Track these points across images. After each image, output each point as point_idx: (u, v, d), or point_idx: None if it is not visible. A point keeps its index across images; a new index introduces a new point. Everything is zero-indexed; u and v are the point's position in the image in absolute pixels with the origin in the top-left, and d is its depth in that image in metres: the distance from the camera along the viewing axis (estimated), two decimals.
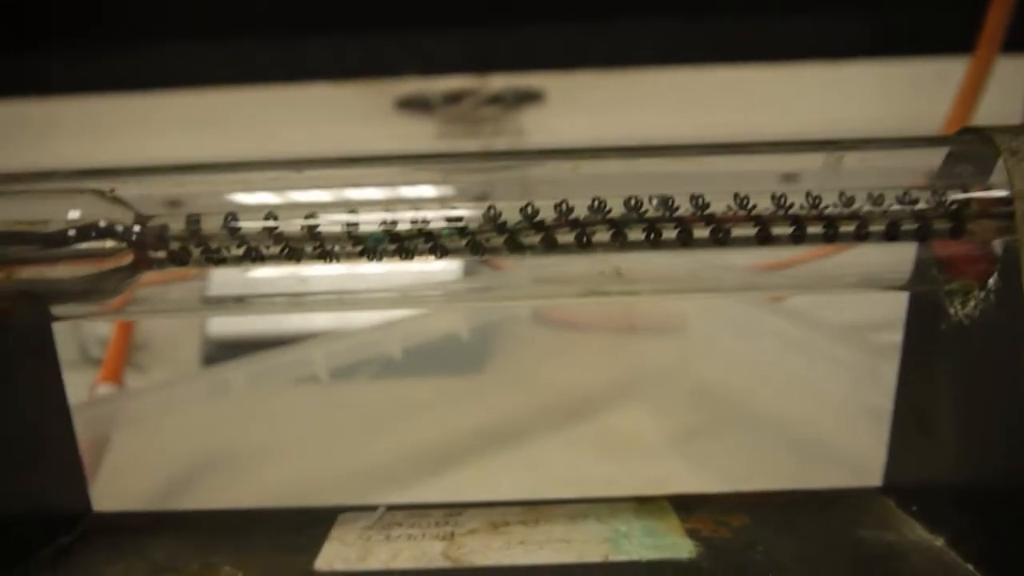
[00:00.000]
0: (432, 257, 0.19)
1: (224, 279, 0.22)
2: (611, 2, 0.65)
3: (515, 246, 0.19)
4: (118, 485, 0.32)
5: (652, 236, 0.19)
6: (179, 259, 0.19)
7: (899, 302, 0.24)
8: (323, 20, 0.65)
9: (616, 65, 0.66)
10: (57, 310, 0.21)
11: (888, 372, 0.36)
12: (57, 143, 0.66)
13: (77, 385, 0.24)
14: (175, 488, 0.36)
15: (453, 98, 0.66)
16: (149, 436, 0.37)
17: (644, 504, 0.23)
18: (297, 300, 0.23)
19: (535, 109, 0.66)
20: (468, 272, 0.29)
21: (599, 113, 0.66)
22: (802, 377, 0.40)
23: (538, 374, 0.46)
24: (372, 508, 0.24)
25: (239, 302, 0.23)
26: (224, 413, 0.38)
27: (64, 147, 0.66)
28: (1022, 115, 0.54)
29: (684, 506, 0.23)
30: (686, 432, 0.40)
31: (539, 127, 0.66)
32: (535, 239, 0.19)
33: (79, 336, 0.47)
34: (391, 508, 0.23)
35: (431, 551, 0.21)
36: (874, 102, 0.61)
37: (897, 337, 0.25)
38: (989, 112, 0.50)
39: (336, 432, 0.40)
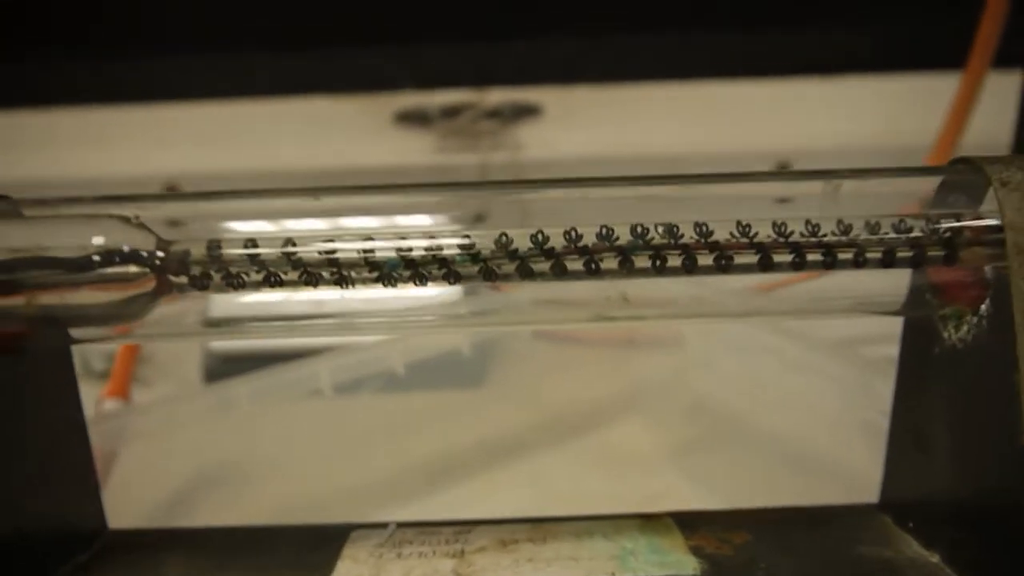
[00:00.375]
0: (446, 283, 0.20)
1: (223, 302, 0.22)
2: (609, 17, 0.66)
3: (525, 272, 0.20)
4: (125, 500, 0.33)
5: (658, 263, 0.20)
6: (200, 284, 0.20)
7: (892, 317, 0.24)
8: (322, 34, 0.66)
9: (614, 80, 0.67)
10: (76, 333, 0.22)
11: (880, 386, 0.37)
12: (58, 153, 0.66)
13: (82, 399, 0.25)
14: (182, 503, 0.36)
15: (451, 112, 0.67)
16: (156, 451, 0.37)
17: (649, 521, 0.24)
18: (298, 324, 0.23)
19: (533, 123, 0.67)
20: (469, 293, 0.30)
21: (596, 127, 0.66)
22: (796, 391, 0.41)
23: (537, 388, 0.47)
24: (383, 526, 0.24)
25: (243, 325, 0.24)
26: (231, 428, 0.38)
27: (64, 158, 0.67)
28: (1012, 130, 0.55)
29: (687, 523, 0.24)
30: (683, 446, 0.41)
31: (537, 141, 0.67)
32: (545, 266, 0.20)
33: (82, 349, 0.48)
34: (401, 525, 0.24)
35: (442, 568, 0.22)
36: (869, 117, 0.62)
37: (890, 350, 0.26)
38: (981, 126, 0.51)
39: (340, 446, 0.40)
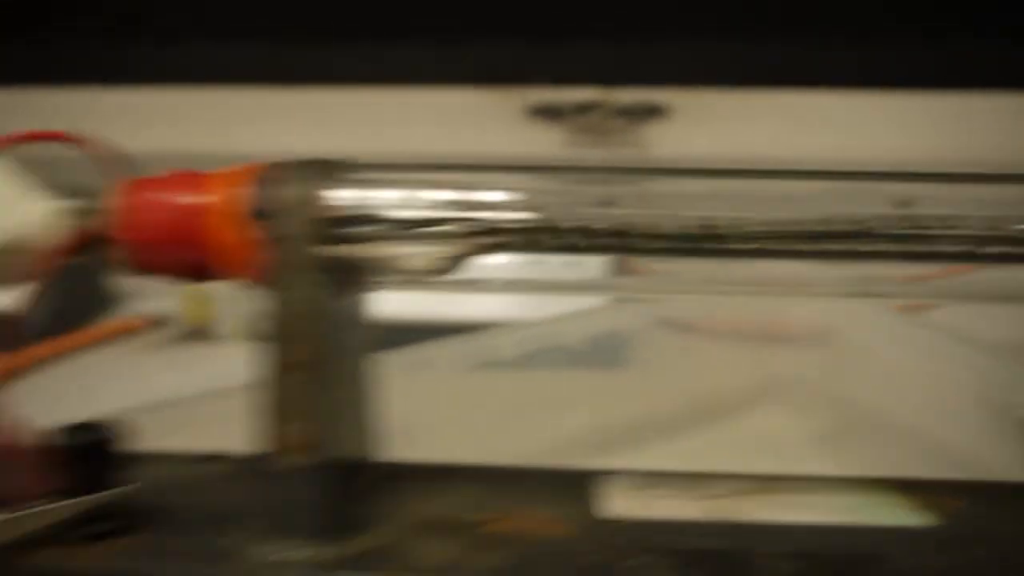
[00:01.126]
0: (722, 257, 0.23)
1: None
2: (738, 24, 0.68)
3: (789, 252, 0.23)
4: None
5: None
6: (514, 247, 0.23)
7: None
8: (463, 26, 0.69)
9: (740, 84, 0.69)
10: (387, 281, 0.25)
11: None
12: (224, 129, 0.70)
13: None
14: None
15: (583, 108, 0.69)
16: None
17: (870, 483, 0.26)
18: (467, 283, 0.26)
19: (660, 124, 0.69)
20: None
21: (722, 131, 0.69)
22: (942, 387, 0.42)
23: (678, 373, 0.48)
24: (623, 472, 0.27)
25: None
26: (420, 388, 0.41)
27: (229, 134, 0.71)
28: None
29: (904, 487, 0.26)
30: (822, 438, 0.43)
31: (663, 141, 0.69)
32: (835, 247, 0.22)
33: None
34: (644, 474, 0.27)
35: (702, 508, 0.24)
36: (987, 134, 0.63)
37: None
38: None
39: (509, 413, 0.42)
